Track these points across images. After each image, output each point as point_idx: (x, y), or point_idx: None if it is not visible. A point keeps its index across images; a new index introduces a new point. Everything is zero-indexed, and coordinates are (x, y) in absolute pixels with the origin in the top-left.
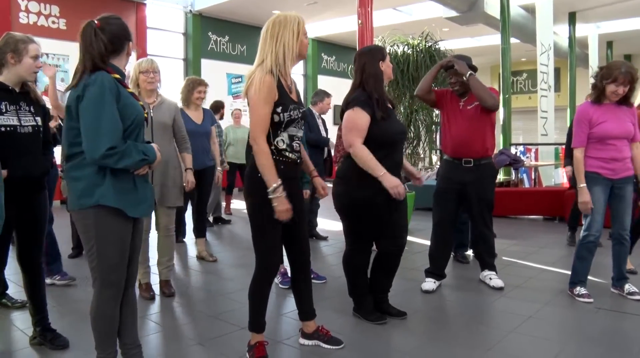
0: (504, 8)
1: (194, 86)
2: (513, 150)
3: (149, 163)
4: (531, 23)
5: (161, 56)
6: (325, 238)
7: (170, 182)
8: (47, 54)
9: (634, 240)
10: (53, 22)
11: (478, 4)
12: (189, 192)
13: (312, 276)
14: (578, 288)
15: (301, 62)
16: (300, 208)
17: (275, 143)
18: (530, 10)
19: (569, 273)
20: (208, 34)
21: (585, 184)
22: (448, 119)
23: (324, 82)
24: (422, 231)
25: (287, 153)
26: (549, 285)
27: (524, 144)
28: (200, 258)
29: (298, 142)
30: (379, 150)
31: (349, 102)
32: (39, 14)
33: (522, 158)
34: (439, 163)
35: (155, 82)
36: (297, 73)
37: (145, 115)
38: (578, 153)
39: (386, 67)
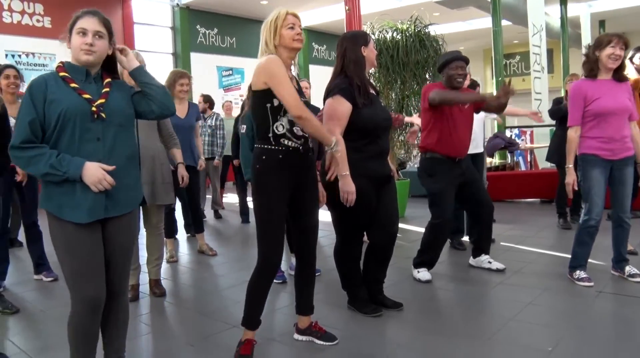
0: None
1: (176, 78)
2: (508, 133)
3: (60, 178)
4: (522, 4)
5: (149, 51)
6: None
7: (159, 179)
8: (32, 53)
9: None
10: (37, 21)
11: None
12: (183, 187)
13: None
14: (578, 272)
15: None
16: (311, 198)
17: (274, 128)
18: None
19: (568, 256)
20: (196, 27)
21: (571, 166)
22: (452, 120)
23: (316, 72)
24: (417, 219)
25: (285, 141)
26: (547, 270)
27: (518, 127)
28: (201, 252)
29: (301, 130)
30: (363, 137)
31: (330, 90)
32: (22, 12)
33: (517, 140)
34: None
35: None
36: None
37: (94, 110)
38: (572, 132)
39: (369, 52)
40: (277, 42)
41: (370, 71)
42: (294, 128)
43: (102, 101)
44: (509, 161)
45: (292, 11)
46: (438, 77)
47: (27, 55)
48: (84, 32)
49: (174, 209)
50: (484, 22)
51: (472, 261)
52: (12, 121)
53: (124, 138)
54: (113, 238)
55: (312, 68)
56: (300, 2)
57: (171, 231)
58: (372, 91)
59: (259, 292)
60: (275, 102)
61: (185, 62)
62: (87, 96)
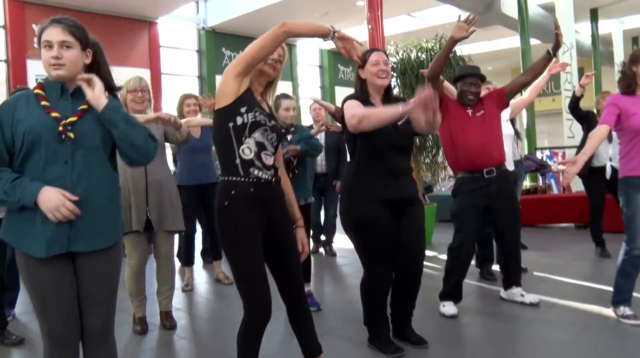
0: (522, 7)
1: (183, 100)
2: (539, 155)
3: (16, 205)
4: (551, 22)
5: (175, 74)
6: (334, 255)
7: (166, 204)
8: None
9: None
10: None
11: (494, 5)
12: (194, 215)
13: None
14: (622, 308)
15: (317, 73)
16: (286, 232)
17: (240, 152)
18: (550, 8)
19: (609, 289)
20: (222, 49)
21: (586, 155)
22: (459, 129)
23: (342, 94)
24: (445, 246)
25: (256, 171)
26: (587, 304)
27: (550, 148)
28: (217, 280)
29: (269, 155)
30: (368, 156)
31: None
32: None
33: (549, 162)
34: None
35: (144, 101)
36: (314, 85)
37: (61, 129)
38: (601, 128)
39: (366, 72)
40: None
41: (394, 91)
42: (262, 153)
43: (73, 119)
44: (541, 184)
45: None
46: None
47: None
48: (49, 45)
49: (193, 236)
50: (512, 41)
51: (503, 293)
52: None
53: (99, 162)
54: (86, 276)
55: (338, 89)
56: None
57: (190, 259)
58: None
59: (249, 346)
60: (239, 121)
61: (210, 85)
62: (55, 114)
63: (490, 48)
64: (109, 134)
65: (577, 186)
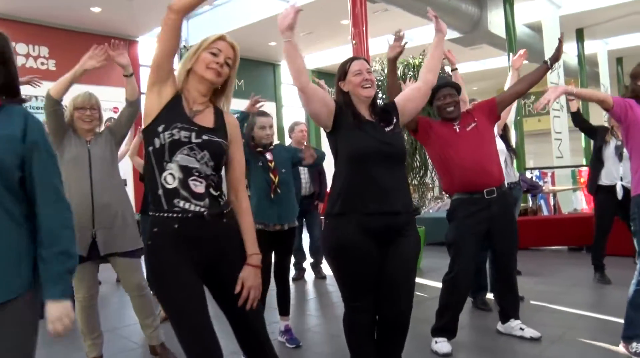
0: (509, 26)
1: None
2: (528, 175)
3: None
4: (538, 42)
5: None
6: (323, 277)
7: (118, 221)
8: (36, 96)
9: None
10: (42, 64)
11: (481, 24)
12: None
13: (286, 338)
14: (635, 345)
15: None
16: (234, 278)
17: (162, 180)
18: (536, 28)
19: (613, 319)
20: None
21: (577, 92)
22: (449, 148)
23: None
24: (435, 272)
25: (181, 202)
26: (592, 338)
27: (539, 169)
28: None
29: (200, 182)
30: (347, 165)
31: None
32: (27, 55)
33: (539, 183)
34: (447, 197)
35: (93, 120)
36: (297, 106)
37: None
38: (610, 97)
39: (348, 84)
40: (191, 64)
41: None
42: (189, 180)
43: None
44: (531, 205)
45: (231, 40)
46: None
47: (30, 98)
48: None
49: None
50: (498, 61)
51: (500, 327)
52: None
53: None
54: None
55: None
56: (308, 44)
57: None
58: (371, 118)
59: None
60: (156, 143)
61: None
62: None
63: (476, 68)
64: (8, 150)
65: (568, 207)
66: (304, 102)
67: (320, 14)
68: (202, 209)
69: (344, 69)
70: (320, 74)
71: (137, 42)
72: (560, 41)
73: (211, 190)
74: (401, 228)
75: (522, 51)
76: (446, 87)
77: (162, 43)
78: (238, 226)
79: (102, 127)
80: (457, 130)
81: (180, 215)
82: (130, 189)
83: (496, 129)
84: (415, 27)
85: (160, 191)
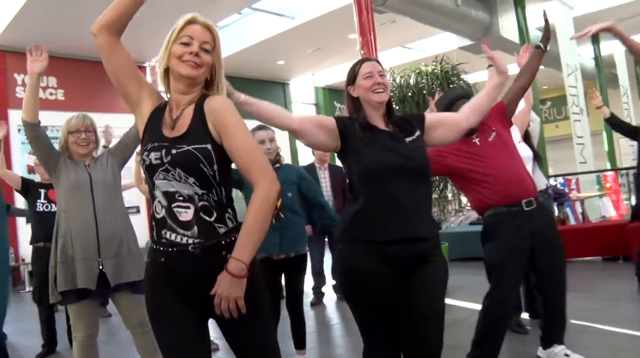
0: (522, 30)
1: None
2: (552, 182)
3: None
4: (553, 45)
5: None
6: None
7: (124, 250)
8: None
9: None
10: (51, 94)
11: (493, 29)
12: None
13: None
14: None
15: (313, 111)
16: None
17: (154, 209)
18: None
19: None
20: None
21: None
22: (476, 162)
23: None
24: (461, 290)
25: (168, 233)
26: None
27: (563, 176)
28: None
29: (185, 208)
30: (361, 184)
31: None
32: None
33: (565, 190)
34: (468, 209)
35: (89, 143)
36: None
37: None
38: None
39: (357, 89)
40: (165, 63)
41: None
42: (173, 207)
43: None
44: (558, 213)
45: (204, 20)
46: None
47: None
48: None
49: None
50: (511, 68)
51: (541, 353)
52: None
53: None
54: None
55: None
56: (317, 60)
57: None
58: (387, 128)
59: None
60: (147, 161)
61: None
62: None
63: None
64: None
65: (595, 214)
66: (306, 140)
67: (327, 29)
68: (189, 240)
69: (353, 71)
70: (330, 91)
71: (145, 67)
72: (546, 20)
73: (202, 215)
74: (427, 255)
75: (525, 46)
76: (463, 98)
77: (108, 69)
78: None
79: (100, 152)
80: (478, 143)
81: (165, 248)
82: (143, 217)
83: (518, 136)
84: (422, 38)
85: (153, 222)
